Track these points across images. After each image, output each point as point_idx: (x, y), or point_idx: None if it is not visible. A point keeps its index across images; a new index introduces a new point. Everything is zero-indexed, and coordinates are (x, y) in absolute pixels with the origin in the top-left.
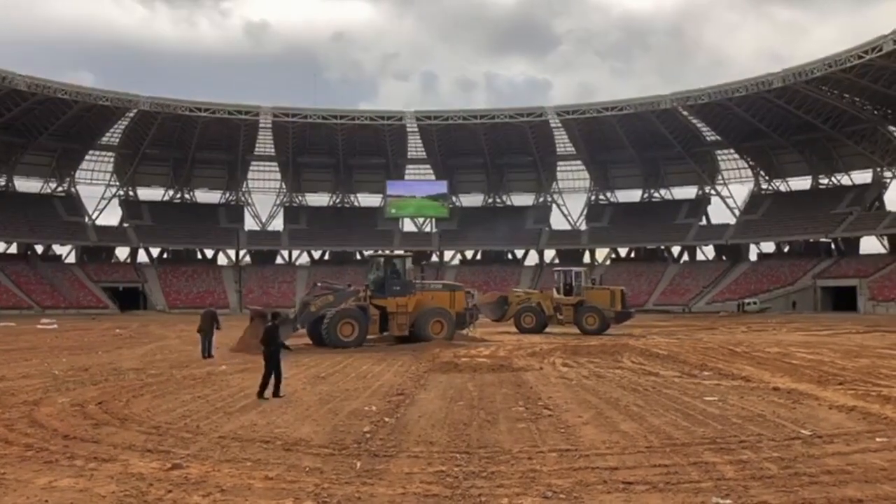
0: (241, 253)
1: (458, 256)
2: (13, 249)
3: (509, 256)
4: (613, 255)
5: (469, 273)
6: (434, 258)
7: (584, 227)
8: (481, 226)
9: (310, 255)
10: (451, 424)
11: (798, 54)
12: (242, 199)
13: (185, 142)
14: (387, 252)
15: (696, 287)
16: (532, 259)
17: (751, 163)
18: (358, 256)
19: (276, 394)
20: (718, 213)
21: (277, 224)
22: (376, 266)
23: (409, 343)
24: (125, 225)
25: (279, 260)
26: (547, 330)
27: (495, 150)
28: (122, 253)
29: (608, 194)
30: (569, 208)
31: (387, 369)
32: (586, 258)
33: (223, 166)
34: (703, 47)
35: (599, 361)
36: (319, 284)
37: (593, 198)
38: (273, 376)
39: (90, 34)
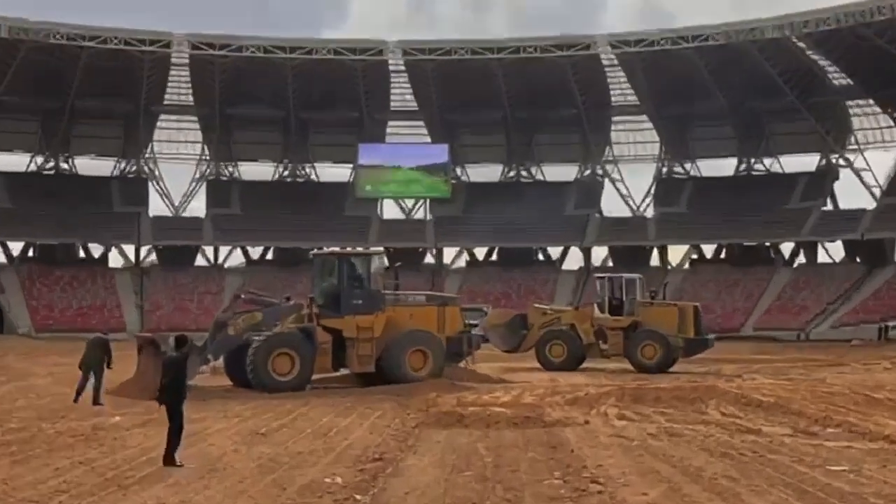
0: (144, 250)
1: (465, 256)
2: None
3: (540, 257)
4: (694, 256)
5: (480, 280)
6: (428, 258)
7: (650, 213)
8: (498, 211)
9: (245, 253)
10: None
11: None
12: (146, 170)
13: (62, 86)
14: (345, 249)
15: (816, 303)
16: (574, 260)
17: None
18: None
19: (166, 460)
20: (850, 194)
21: (197, 208)
22: (326, 269)
23: (381, 384)
24: None
25: (200, 261)
26: (586, 365)
27: (520, 99)
28: None
29: (687, 165)
30: (628, 186)
31: (358, 422)
32: (653, 259)
33: (118, 122)
34: None
35: (673, 413)
36: (244, 297)
37: (664, 170)
38: (172, 433)
39: None
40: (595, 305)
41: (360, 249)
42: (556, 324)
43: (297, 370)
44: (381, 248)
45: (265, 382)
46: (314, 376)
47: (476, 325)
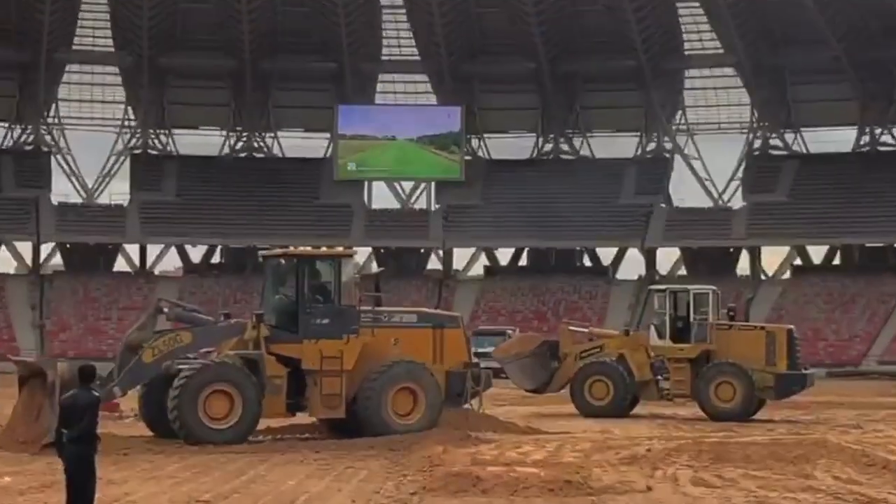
0: (45, 249)
1: (483, 259)
2: None
3: (586, 261)
4: (797, 261)
5: (503, 294)
6: (433, 263)
7: (738, 202)
8: (529, 199)
9: (183, 254)
10: None
11: None
12: (47, 140)
13: None
14: (306, 249)
15: None
16: (632, 266)
17: None
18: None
19: None
20: None
21: (119, 191)
22: (280, 277)
23: (356, 435)
24: None
25: (121, 264)
26: (648, 409)
27: (560, 45)
28: None
29: (788, 138)
30: (707, 165)
31: (335, 487)
32: (742, 266)
33: (7, 76)
34: None
35: (768, 477)
36: (166, 311)
37: (758, 143)
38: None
39: None
40: (651, 329)
41: (325, 249)
42: (599, 354)
43: (237, 414)
44: (355, 249)
45: (194, 430)
46: (261, 423)
47: (486, 356)
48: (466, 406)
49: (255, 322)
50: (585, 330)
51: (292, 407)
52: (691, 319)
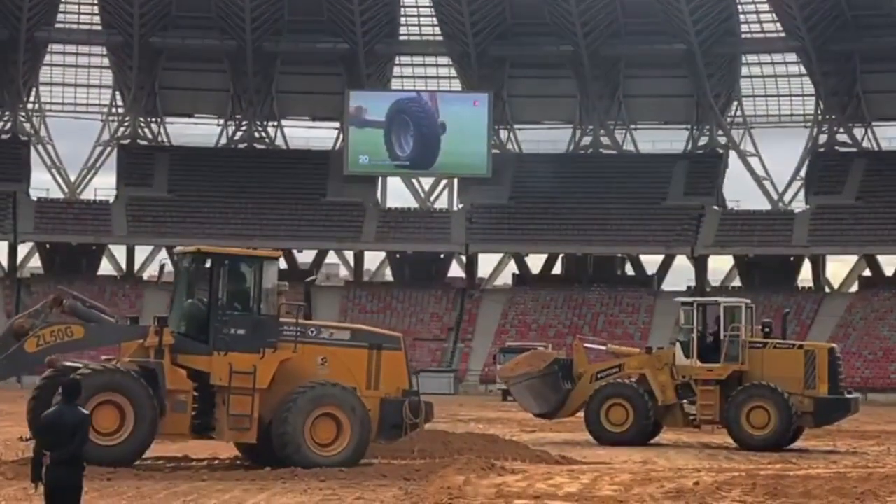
0: (24, 249)
1: (512, 266)
2: None
3: (629, 270)
4: (866, 272)
5: (534, 306)
6: (454, 270)
7: (800, 205)
8: (565, 199)
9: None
10: None
11: None
12: (26, 128)
13: None
14: (221, 248)
15: None
16: (681, 275)
17: None
18: (282, 260)
19: None
20: None
21: (104, 186)
22: (193, 278)
23: (273, 463)
24: None
25: (106, 267)
26: (697, 438)
27: (600, 27)
28: None
29: (857, 133)
30: (766, 163)
31: None
32: (804, 277)
33: None
34: None
35: None
36: (66, 302)
37: (823, 139)
38: None
39: None
40: (677, 346)
41: (250, 251)
42: (617, 374)
43: (128, 430)
44: (279, 253)
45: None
46: (161, 440)
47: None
48: (408, 438)
49: (155, 327)
50: (603, 347)
51: (200, 427)
52: (721, 336)
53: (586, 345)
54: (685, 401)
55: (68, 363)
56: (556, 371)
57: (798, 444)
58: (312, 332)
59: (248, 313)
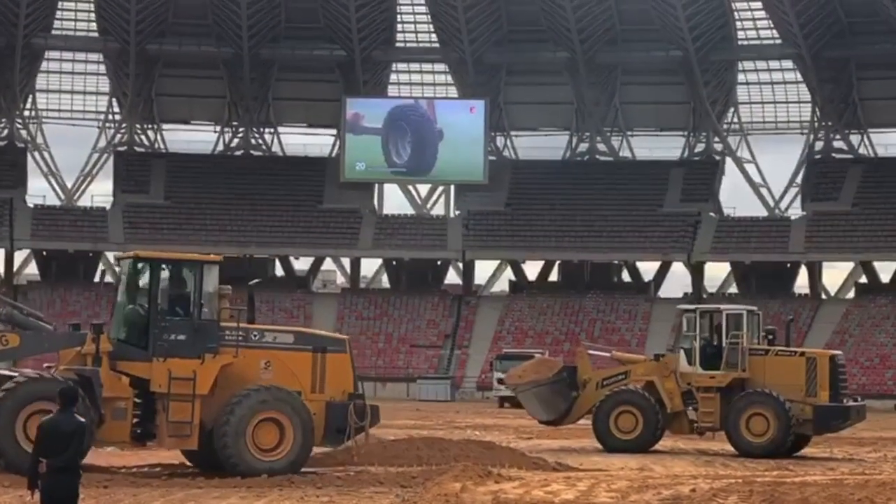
0: (20, 256)
1: (508, 273)
2: None
3: (625, 276)
4: (863, 279)
5: (531, 313)
6: (451, 277)
7: (796, 212)
8: (561, 206)
9: None
10: None
11: None
12: (23, 135)
13: None
14: (160, 253)
15: None
16: (677, 282)
17: None
18: (279, 267)
19: None
20: None
21: (101, 193)
22: (130, 282)
23: (218, 469)
24: None
25: (102, 274)
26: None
27: (597, 33)
28: None
29: (854, 139)
30: (762, 170)
31: None
32: (800, 284)
33: None
34: None
35: None
36: (3, 310)
37: (819, 146)
38: None
39: None
40: (681, 354)
41: (190, 255)
42: (623, 380)
43: None
44: (219, 256)
45: (10, 456)
46: (105, 444)
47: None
48: (352, 443)
49: (93, 334)
50: (607, 354)
51: (141, 435)
52: (722, 343)
53: (590, 351)
54: (689, 408)
55: (3, 372)
56: (566, 378)
57: (802, 450)
58: (255, 335)
59: (187, 318)
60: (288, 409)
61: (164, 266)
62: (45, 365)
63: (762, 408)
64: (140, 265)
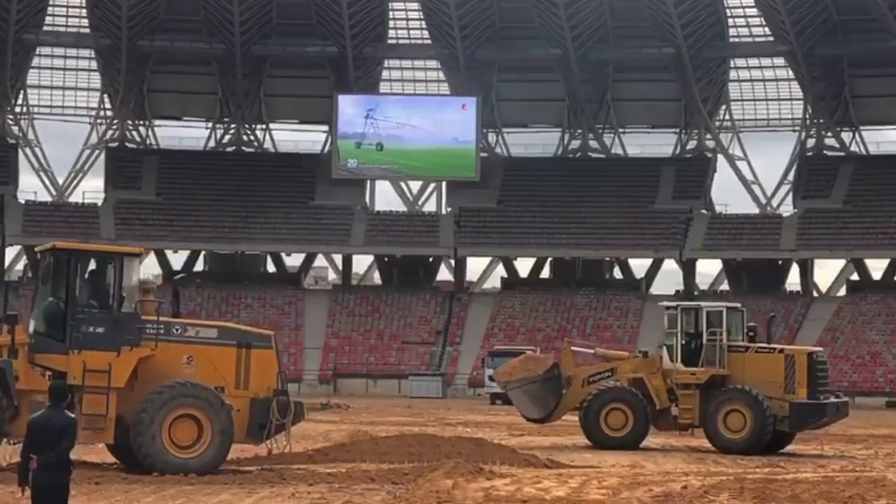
0: (11, 252)
1: (500, 270)
2: None
3: (617, 273)
4: (854, 276)
5: (523, 309)
6: (443, 273)
7: (788, 209)
8: (553, 202)
9: (163, 260)
10: None
11: None
12: (14, 131)
13: None
14: (79, 244)
15: None
16: (669, 279)
17: None
18: (270, 263)
19: None
20: None
21: (92, 189)
22: (49, 274)
23: (137, 465)
24: None
25: None
26: (691, 442)
27: (589, 30)
28: None
29: (845, 136)
30: (754, 167)
31: None
32: (792, 281)
33: None
34: None
35: None
36: None
37: (811, 143)
38: None
39: None
40: (664, 350)
41: (110, 247)
42: (609, 377)
43: None
44: (141, 249)
45: None
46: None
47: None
48: (270, 445)
49: (9, 327)
50: (590, 351)
51: None
52: (703, 340)
53: (574, 348)
54: (673, 405)
55: None
56: (557, 376)
57: (786, 448)
58: (177, 329)
59: (106, 311)
60: (205, 406)
61: (83, 258)
62: None
63: (739, 404)
64: (60, 257)
